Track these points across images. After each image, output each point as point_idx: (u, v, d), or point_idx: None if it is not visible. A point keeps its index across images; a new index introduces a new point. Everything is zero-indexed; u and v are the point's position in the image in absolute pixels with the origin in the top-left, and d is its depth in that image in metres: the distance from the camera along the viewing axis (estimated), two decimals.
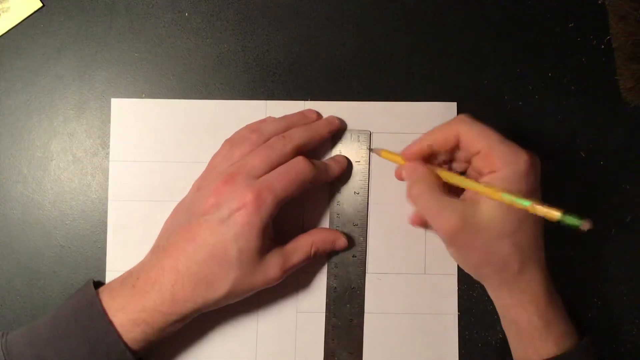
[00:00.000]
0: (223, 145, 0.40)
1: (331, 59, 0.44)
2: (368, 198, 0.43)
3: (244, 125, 0.42)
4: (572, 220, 0.32)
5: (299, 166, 0.38)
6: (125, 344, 0.35)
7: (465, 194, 0.37)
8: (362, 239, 0.42)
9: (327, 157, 0.43)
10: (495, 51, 0.44)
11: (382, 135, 0.43)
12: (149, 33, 0.44)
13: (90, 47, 0.44)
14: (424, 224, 0.40)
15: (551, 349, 0.36)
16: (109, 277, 0.42)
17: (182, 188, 0.41)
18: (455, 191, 0.38)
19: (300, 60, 0.44)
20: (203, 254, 0.35)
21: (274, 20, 0.44)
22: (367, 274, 0.42)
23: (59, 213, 0.43)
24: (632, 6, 0.42)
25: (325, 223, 0.43)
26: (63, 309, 0.36)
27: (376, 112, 0.43)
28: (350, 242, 0.42)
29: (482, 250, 0.36)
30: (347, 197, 0.43)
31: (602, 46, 0.44)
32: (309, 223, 0.43)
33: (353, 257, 0.42)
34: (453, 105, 0.43)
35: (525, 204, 0.34)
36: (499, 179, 0.35)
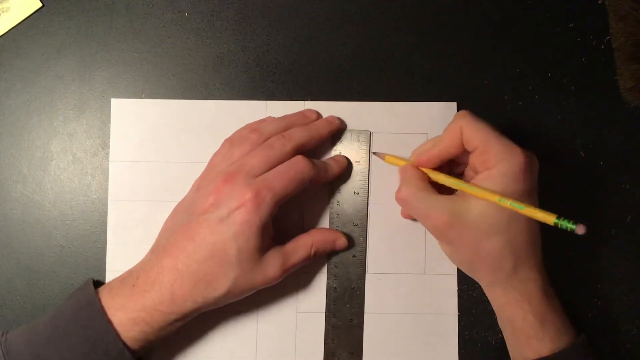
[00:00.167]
0: (223, 145, 0.40)
1: (331, 59, 0.44)
2: (368, 198, 0.43)
3: (244, 125, 0.42)
4: (566, 225, 0.32)
5: (299, 165, 0.38)
6: (124, 343, 0.35)
7: (458, 192, 0.38)
8: (362, 239, 0.42)
9: (327, 157, 0.43)
10: (495, 51, 0.44)
11: (382, 135, 0.43)
12: (149, 33, 0.44)
13: (90, 47, 0.44)
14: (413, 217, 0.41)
15: (547, 347, 0.36)
16: (109, 277, 0.42)
17: (182, 188, 0.41)
18: (448, 191, 0.38)
19: (300, 60, 0.44)
20: (202, 253, 0.35)
21: (274, 20, 0.44)
22: (367, 274, 0.42)
23: (59, 213, 0.43)
24: (632, 6, 0.42)
25: (325, 223, 0.43)
26: (63, 308, 0.36)
27: (376, 112, 0.43)
28: (350, 242, 0.42)
29: (473, 247, 0.36)
30: (347, 197, 0.43)
31: (602, 46, 0.44)
32: (309, 223, 0.43)
33: (353, 257, 0.42)
34: (453, 105, 0.43)
35: (520, 208, 0.34)
36: (493, 176, 0.35)
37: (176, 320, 0.36)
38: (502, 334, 0.40)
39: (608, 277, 0.43)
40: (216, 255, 0.35)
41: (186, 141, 0.43)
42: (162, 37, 0.44)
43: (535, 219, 0.34)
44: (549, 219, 0.33)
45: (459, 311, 0.42)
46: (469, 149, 0.37)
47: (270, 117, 0.42)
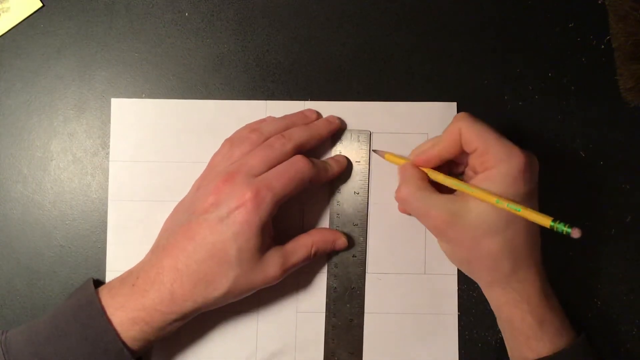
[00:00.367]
0: (223, 145, 0.40)
1: (331, 59, 0.44)
2: (368, 198, 0.43)
3: (244, 125, 0.42)
4: (561, 228, 0.32)
5: (298, 165, 0.38)
6: (124, 343, 0.35)
7: (457, 191, 0.38)
8: (362, 239, 0.42)
9: (327, 157, 0.43)
10: (495, 51, 0.44)
11: (382, 135, 0.43)
12: (149, 33, 0.44)
13: (90, 47, 0.44)
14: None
15: (547, 348, 0.36)
16: (109, 277, 0.42)
17: (182, 188, 0.41)
18: (448, 190, 0.38)
19: (300, 60, 0.44)
20: (202, 252, 0.35)
21: (274, 20, 0.44)
22: (367, 274, 0.42)
23: (59, 213, 0.43)
24: (632, 6, 0.42)
25: (325, 223, 0.43)
26: (62, 308, 0.36)
27: (376, 112, 0.43)
28: (350, 242, 0.42)
29: (472, 247, 0.36)
30: (347, 197, 0.43)
31: (602, 46, 0.44)
32: (309, 223, 0.43)
33: (353, 257, 0.42)
34: (453, 105, 0.43)
35: (517, 210, 0.34)
36: (492, 177, 0.35)
37: (176, 320, 0.36)
38: (502, 334, 0.40)
39: (608, 277, 0.43)
40: (216, 255, 0.35)
41: (186, 141, 0.43)
42: (162, 37, 0.44)
43: (532, 221, 0.34)
44: (545, 221, 0.33)
45: (459, 311, 0.42)
46: (468, 150, 0.37)
47: (270, 117, 0.42)
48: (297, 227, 0.42)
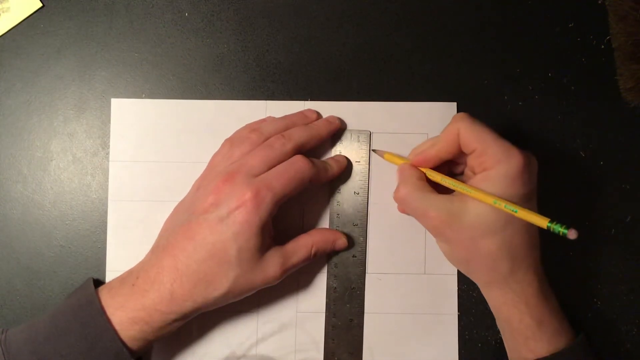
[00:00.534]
0: (223, 145, 0.40)
1: (331, 59, 0.44)
2: (368, 198, 0.43)
3: (244, 125, 0.42)
4: (558, 229, 0.32)
5: (298, 164, 0.38)
6: (123, 342, 0.35)
7: (456, 191, 0.38)
8: (362, 239, 0.42)
9: (327, 157, 0.43)
10: (495, 51, 0.44)
11: (382, 135, 0.43)
12: (149, 33, 0.44)
13: (90, 47, 0.44)
14: None
15: (545, 348, 0.36)
16: (109, 277, 0.42)
17: (182, 188, 0.41)
18: (447, 190, 0.38)
19: (300, 60, 0.44)
20: (202, 252, 0.35)
21: (274, 20, 0.44)
22: (367, 274, 0.42)
23: (59, 213, 0.43)
24: (632, 6, 0.42)
25: (325, 223, 0.43)
26: (62, 307, 0.36)
27: (376, 112, 0.43)
28: (350, 242, 0.42)
29: (470, 247, 0.36)
30: (347, 197, 0.43)
31: (602, 46, 0.44)
32: (309, 223, 0.43)
33: (353, 257, 0.42)
34: (453, 105, 0.43)
35: (515, 211, 0.34)
36: (490, 177, 0.35)
37: (175, 320, 0.36)
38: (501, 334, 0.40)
39: (608, 277, 0.43)
40: (216, 255, 0.35)
41: (186, 141, 0.43)
42: (162, 37, 0.44)
43: (529, 222, 0.34)
44: (542, 222, 0.33)
45: (459, 311, 0.42)
46: (466, 151, 0.37)
47: (270, 117, 0.42)
48: (297, 227, 0.42)
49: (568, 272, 0.43)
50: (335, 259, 0.42)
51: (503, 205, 0.34)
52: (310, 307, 0.42)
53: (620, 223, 0.43)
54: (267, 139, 0.39)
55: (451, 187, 0.37)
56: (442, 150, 0.37)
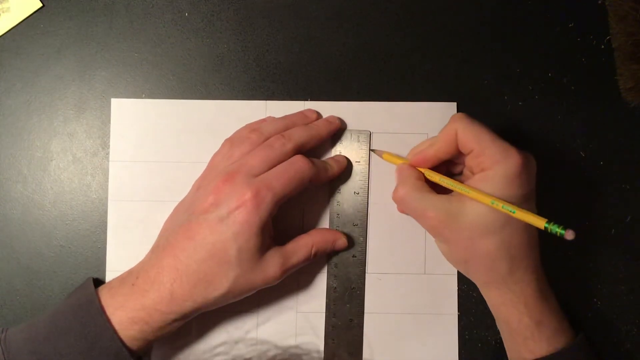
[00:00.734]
0: (223, 145, 0.40)
1: (331, 59, 0.44)
2: (368, 198, 0.43)
3: (244, 125, 0.42)
4: (555, 230, 0.32)
5: (298, 164, 0.38)
6: (123, 342, 0.35)
7: (454, 191, 0.38)
8: (362, 239, 0.42)
9: (327, 157, 0.43)
10: (495, 51, 0.44)
11: (382, 135, 0.43)
12: (149, 33, 0.44)
13: (90, 47, 0.44)
14: None
15: (544, 348, 0.36)
16: (109, 277, 0.42)
17: (182, 188, 0.41)
18: (446, 190, 0.38)
19: (300, 60, 0.44)
20: (202, 252, 0.35)
21: (274, 20, 0.44)
22: (367, 274, 0.42)
23: (59, 213, 0.43)
24: (632, 6, 0.42)
25: (325, 223, 0.43)
26: (62, 306, 0.36)
27: (376, 112, 0.43)
28: (350, 242, 0.42)
29: (468, 247, 0.36)
30: (347, 197, 0.43)
31: (602, 46, 0.44)
32: (309, 223, 0.43)
33: (353, 257, 0.42)
34: (453, 105, 0.43)
35: (512, 212, 0.34)
36: (488, 178, 0.35)
37: (175, 320, 0.36)
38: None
39: (608, 277, 0.43)
40: (216, 255, 0.35)
41: (186, 141, 0.43)
42: (162, 37, 0.44)
43: (526, 222, 0.34)
44: (539, 223, 0.33)
45: (459, 311, 0.42)
46: (464, 151, 0.37)
47: (270, 117, 0.42)
48: (297, 227, 0.42)
49: (568, 272, 0.43)
50: (335, 259, 0.42)
51: (501, 205, 0.34)
52: (310, 307, 0.42)
53: (620, 223, 0.43)
54: (267, 139, 0.39)
55: (449, 187, 0.37)
56: (440, 151, 0.37)
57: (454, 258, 0.39)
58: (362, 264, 0.42)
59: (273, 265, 0.37)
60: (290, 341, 0.42)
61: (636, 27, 0.42)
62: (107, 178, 0.43)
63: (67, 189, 0.43)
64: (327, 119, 0.42)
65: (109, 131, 0.43)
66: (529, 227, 0.36)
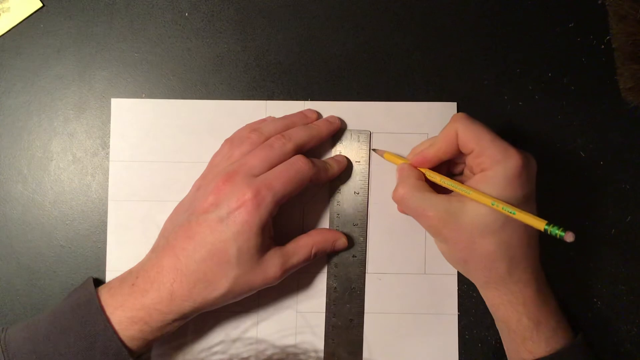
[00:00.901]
0: (223, 145, 0.40)
1: (331, 59, 0.44)
2: (368, 198, 0.43)
3: (244, 125, 0.42)
4: (555, 232, 0.32)
5: (298, 164, 0.38)
6: (122, 342, 0.35)
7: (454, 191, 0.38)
8: (362, 239, 0.42)
9: (327, 156, 0.43)
10: (495, 51, 0.44)
11: (382, 135, 0.43)
12: (149, 33, 0.44)
13: (90, 47, 0.44)
14: None
15: (543, 349, 0.36)
16: (109, 277, 0.42)
17: (182, 188, 0.41)
18: (446, 190, 0.38)
19: (300, 60, 0.44)
20: (202, 252, 0.35)
21: (274, 20, 0.44)
22: (367, 274, 0.42)
23: (59, 213, 0.43)
24: (632, 6, 0.42)
25: (325, 223, 0.43)
26: (62, 306, 0.36)
27: (376, 112, 0.43)
28: (350, 242, 0.42)
29: (468, 247, 0.36)
30: (347, 197, 0.43)
31: (602, 46, 0.44)
32: (309, 223, 0.43)
33: (353, 257, 0.42)
34: (453, 105, 0.43)
35: (512, 213, 0.34)
36: (488, 178, 0.35)
37: (175, 320, 0.36)
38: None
39: (608, 277, 0.43)
40: (216, 255, 0.35)
41: (186, 141, 0.43)
42: (162, 37, 0.44)
43: (526, 223, 0.34)
44: (539, 224, 0.33)
45: (459, 311, 0.42)
46: (464, 151, 0.37)
47: (270, 117, 0.43)
48: (297, 227, 0.42)
49: (568, 272, 0.43)
50: (335, 259, 0.42)
51: (501, 207, 0.34)
52: (310, 307, 0.42)
53: (620, 223, 0.43)
54: (267, 139, 0.39)
55: (450, 187, 0.37)
56: (440, 151, 0.37)
57: (453, 258, 0.39)
58: (362, 264, 0.42)
59: (273, 265, 0.37)
60: (289, 340, 0.42)
61: (636, 27, 0.42)
62: (107, 178, 0.43)
63: (67, 189, 0.43)
64: (327, 119, 0.42)
65: (109, 131, 0.43)
66: (528, 227, 0.36)
